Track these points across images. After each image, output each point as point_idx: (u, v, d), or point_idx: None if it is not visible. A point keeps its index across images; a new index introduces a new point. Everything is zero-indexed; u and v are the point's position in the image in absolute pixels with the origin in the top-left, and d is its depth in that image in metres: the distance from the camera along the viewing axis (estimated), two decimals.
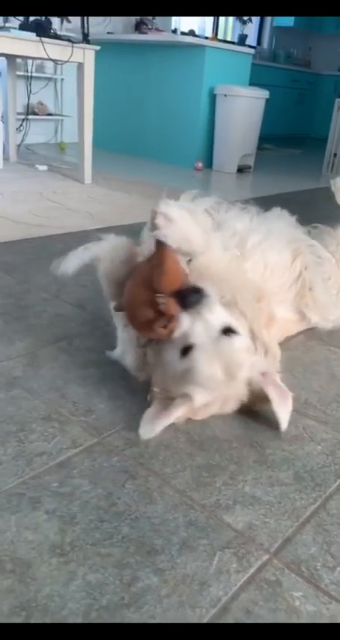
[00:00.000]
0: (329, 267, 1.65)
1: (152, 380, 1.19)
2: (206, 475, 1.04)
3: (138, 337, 1.24)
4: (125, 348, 1.32)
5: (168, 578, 0.82)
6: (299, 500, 1.00)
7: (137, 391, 1.26)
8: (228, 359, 1.09)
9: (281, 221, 1.65)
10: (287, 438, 1.17)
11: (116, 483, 1.00)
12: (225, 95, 4.64)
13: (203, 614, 0.77)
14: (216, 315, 1.11)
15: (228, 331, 1.11)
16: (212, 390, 1.12)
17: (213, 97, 4.77)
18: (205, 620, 0.76)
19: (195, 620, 0.76)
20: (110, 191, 3.61)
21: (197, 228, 1.15)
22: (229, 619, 0.76)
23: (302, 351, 1.57)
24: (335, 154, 5.06)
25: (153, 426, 1.10)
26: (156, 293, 1.07)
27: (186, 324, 1.11)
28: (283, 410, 1.17)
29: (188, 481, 1.02)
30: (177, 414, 1.12)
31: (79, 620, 0.74)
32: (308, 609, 0.79)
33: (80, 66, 3.41)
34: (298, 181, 4.68)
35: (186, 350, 1.10)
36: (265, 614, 0.77)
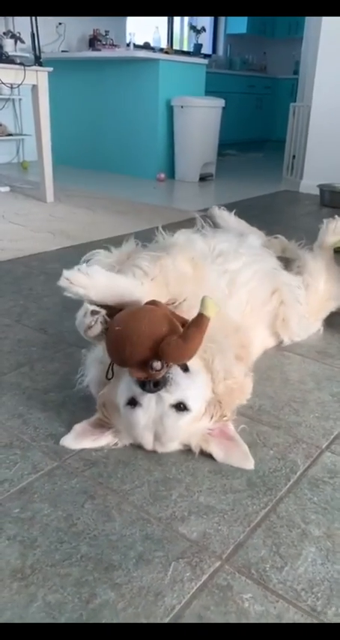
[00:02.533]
0: (309, 294, 1.73)
1: (102, 392, 1.23)
2: (162, 489, 1.09)
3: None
4: (89, 364, 1.34)
5: (125, 592, 0.86)
6: (251, 505, 1.05)
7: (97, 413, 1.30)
8: (163, 431, 1.13)
9: (266, 259, 1.71)
10: None
11: (76, 504, 1.04)
12: (182, 106, 4.73)
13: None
14: (173, 394, 1.12)
15: (179, 406, 1.13)
16: (139, 444, 1.18)
17: (170, 109, 4.85)
18: None
19: None
20: (73, 208, 3.65)
21: (122, 279, 1.21)
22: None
23: (258, 358, 1.63)
24: (294, 156, 5.19)
25: (76, 442, 1.19)
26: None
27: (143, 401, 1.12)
28: (231, 458, 1.17)
29: (145, 496, 1.07)
30: (102, 444, 1.19)
31: None
32: (257, 609, 0.84)
33: (34, 87, 3.45)
34: (259, 186, 4.78)
35: (133, 401, 1.13)
36: (216, 618, 0.82)
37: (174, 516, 1.02)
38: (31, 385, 1.45)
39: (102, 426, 1.21)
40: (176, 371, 1.12)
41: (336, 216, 1.99)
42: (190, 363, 1.14)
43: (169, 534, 0.98)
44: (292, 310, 1.64)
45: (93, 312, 1.16)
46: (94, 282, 1.17)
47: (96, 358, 1.30)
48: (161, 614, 0.83)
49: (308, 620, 0.82)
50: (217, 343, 1.23)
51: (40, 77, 3.44)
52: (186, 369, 1.15)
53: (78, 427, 1.21)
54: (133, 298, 1.19)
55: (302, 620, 0.82)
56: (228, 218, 2.15)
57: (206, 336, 1.08)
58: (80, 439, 1.19)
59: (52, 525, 0.99)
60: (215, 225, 2.07)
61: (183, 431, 1.16)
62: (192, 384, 1.15)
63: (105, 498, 1.06)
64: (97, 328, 1.15)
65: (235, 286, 1.50)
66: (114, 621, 0.81)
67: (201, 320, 1.06)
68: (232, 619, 0.82)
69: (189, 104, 4.72)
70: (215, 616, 0.83)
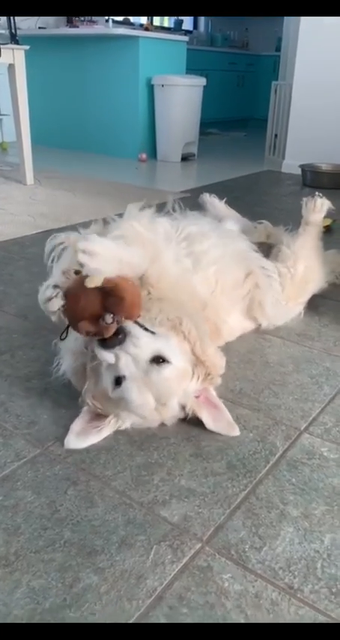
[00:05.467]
0: (284, 280, 1.73)
1: (85, 389, 1.23)
2: (144, 474, 1.11)
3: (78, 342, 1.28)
4: (63, 354, 1.35)
5: (108, 575, 0.88)
6: (231, 488, 1.08)
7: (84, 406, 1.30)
8: (158, 388, 1.15)
9: (238, 242, 1.71)
10: None
11: (58, 491, 1.06)
12: (162, 85, 4.67)
13: (139, 605, 0.83)
14: (142, 348, 1.13)
15: (157, 360, 1.14)
16: (144, 417, 1.19)
17: (151, 88, 4.79)
18: (141, 611, 0.83)
19: (132, 612, 0.82)
20: (53, 190, 3.61)
21: (127, 250, 1.19)
22: (163, 607, 0.83)
23: (239, 341, 1.65)
24: (276, 135, 5.17)
25: (81, 441, 1.17)
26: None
27: (111, 359, 1.13)
28: (219, 426, 1.22)
29: (127, 481, 1.09)
30: (107, 433, 1.19)
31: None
32: (236, 589, 0.87)
33: (11, 67, 3.38)
34: (242, 166, 4.76)
35: (118, 380, 1.15)
36: (197, 599, 0.85)
37: (155, 500, 1.04)
38: (13, 373, 1.45)
39: (99, 415, 1.21)
40: (133, 326, 1.14)
41: (316, 193, 1.99)
42: (156, 329, 1.17)
43: (151, 518, 1.00)
44: (266, 294, 1.65)
45: (55, 287, 1.18)
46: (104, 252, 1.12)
47: (69, 348, 1.30)
48: (143, 596, 0.85)
49: (285, 598, 0.85)
50: (191, 317, 1.26)
51: (16, 56, 3.36)
52: (145, 329, 1.16)
53: (75, 427, 1.19)
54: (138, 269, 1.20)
55: (279, 598, 0.85)
56: (218, 205, 2.16)
57: (180, 310, 1.16)
58: (83, 436, 1.18)
59: (35, 512, 1.00)
60: (205, 211, 2.07)
61: (175, 384, 1.18)
62: (159, 339, 1.17)
63: (87, 484, 1.07)
64: (57, 302, 1.17)
65: (200, 264, 1.49)
66: (97, 605, 0.83)
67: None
68: (212, 599, 0.85)
69: (170, 83, 4.66)
70: (195, 596, 0.85)
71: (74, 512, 1.01)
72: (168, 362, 1.16)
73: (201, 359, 1.24)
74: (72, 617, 0.81)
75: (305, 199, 1.95)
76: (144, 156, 4.92)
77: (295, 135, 4.50)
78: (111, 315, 1.07)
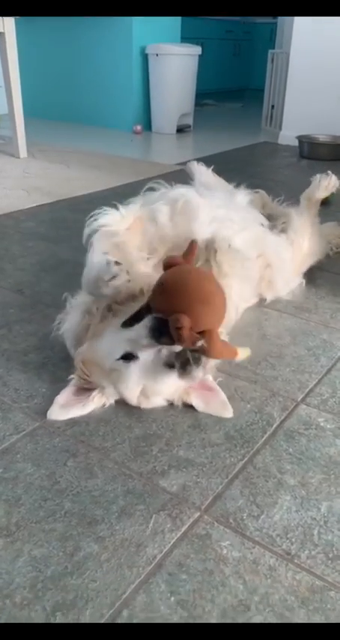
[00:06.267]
0: (294, 253, 1.74)
1: (80, 350, 1.23)
2: (143, 445, 1.12)
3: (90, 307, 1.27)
4: (70, 310, 1.34)
5: (108, 544, 0.90)
6: (229, 458, 1.09)
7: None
8: (153, 386, 1.15)
9: (254, 225, 1.69)
10: None
11: (58, 463, 1.07)
12: (157, 54, 4.57)
13: (140, 572, 0.85)
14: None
15: (171, 365, 1.11)
16: (124, 398, 1.20)
17: (145, 57, 4.69)
18: (141, 577, 0.84)
19: (132, 579, 0.84)
20: (47, 164, 3.55)
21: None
22: (163, 573, 0.85)
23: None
24: (272, 106, 5.08)
25: (64, 412, 1.18)
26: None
27: (148, 341, 1.10)
28: (211, 408, 1.21)
29: (126, 452, 1.10)
30: (91, 408, 1.20)
31: (26, 592, 0.82)
32: (234, 555, 0.89)
33: (1, 36, 3.29)
34: (238, 137, 4.70)
35: (128, 356, 1.14)
36: (196, 565, 0.87)
37: (154, 471, 1.05)
38: (10, 347, 1.45)
39: (85, 389, 1.21)
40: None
41: (329, 171, 1.98)
42: None
43: (150, 488, 1.01)
44: (278, 273, 1.66)
45: (117, 263, 1.15)
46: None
47: (81, 304, 1.29)
48: (143, 564, 0.86)
49: (283, 563, 0.87)
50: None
51: (6, 25, 3.27)
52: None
53: (60, 398, 1.19)
54: None
55: (276, 564, 0.87)
56: (205, 173, 2.13)
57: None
58: (66, 409, 1.18)
59: (35, 484, 1.01)
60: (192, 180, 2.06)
61: (169, 386, 1.18)
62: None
63: (87, 456, 1.08)
64: (123, 277, 1.14)
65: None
66: (98, 572, 0.85)
67: (233, 349, 1.12)
68: (211, 565, 0.87)
69: (164, 52, 4.56)
70: (195, 563, 0.87)
71: (74, 483, 1.02)
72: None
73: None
74: (73, 584, 0.83)
75: (318, 176, 1.95)
76: (138, 128, 4.84)
77: (292, 105, 4.43)
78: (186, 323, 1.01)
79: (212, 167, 2.17)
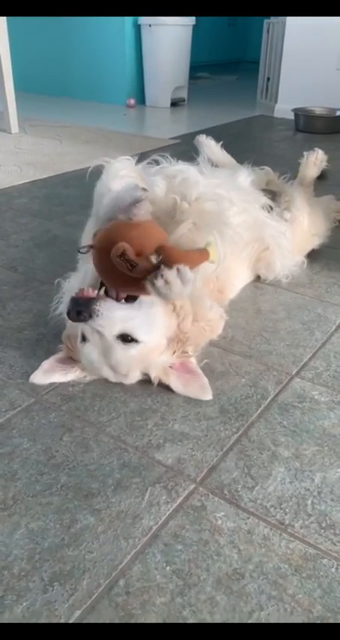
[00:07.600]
0: (294, 230, 1.71)
1: (67, 325, 1.25)
2: (138, 419, 1.13)
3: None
4: (66, 291, 1.31)
5: (104, 516, 0.91)
6: (224, 431, 1.10)
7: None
8: (116, 364, 1.15)
9: (254, 208, 1.65)
10: (214, 374, 1.26)
11: (54, 438, 1.07)
12: (150, 25, 4.47)
13: (136, 543, 0.86)
14: (111, 323, 1.11)
15: (125, 338, 1.12)
16: (102, 377, 1.21)
17: (138, 28, 4.59)
18: (137, 548, 0.85)
19: (129, 549, 0.85)
20: (39, 139, 3.50)
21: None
22: (159, 544, 0.86)
23: None
24: (268, 78, 5.00)
25: (46, 377, 1.21)
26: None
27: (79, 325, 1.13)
28: (189, 390, 1.19)
29: (122, 427, 1.10)
30: (68, 378, 1.22)
31: (24, 564, 0.83)
32: (229, 526, 0.90)
33: None
34: (233, 110, 4.63)
35: (83, 337, 1.16)
36: (191, 536, 0.88)
37: (150, 444, 1.06)
38: (5, 324, 1.44)
39: (71, 359, 1.23)
40: (107, 304, 1.10)
41: (316, 148, 1.96)
42: (144, 297, 1.13)
43: (146, 461, 1.02)
44: (276, 256, 1.64)
45: (144, 189, 1.12)
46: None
47: (72, 288, 1.29)
48: (139, 535, 0.88)
49: (276, 533, 0.88)
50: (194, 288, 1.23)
51: None
52: (134, 299, 1.14)
53: (45, 364, 1.23)
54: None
55: (270, 534, 0.88)
56: (214, 148, 2.12)
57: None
58: (49, 374, 1.21)
59: (31, 459, 1.02)
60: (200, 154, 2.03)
61: (138, 361, 1.17)
62: (137, 315, 1.13)
63: (82, 431, 1.09)
64: (147, 205, 1.10)
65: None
66: (95, 543, 0.86)
67: (202, 251, 1.11)
68: (206, 536, 0.88)
69: (157, 22, 4.46)
70: (190, 534, 0.88)
71: (70, 457, 1.03)
72: (136, 341, 1.13)
73: (182, 336, 1.20)
74: (70, 555, 0.84)
75: (306, 153, 1.94)
76: (132, 101, 4.77)
77: (288, 77, 4.35)
78: (155, 256, 1.03)
79: (221, 143, 2.16)
